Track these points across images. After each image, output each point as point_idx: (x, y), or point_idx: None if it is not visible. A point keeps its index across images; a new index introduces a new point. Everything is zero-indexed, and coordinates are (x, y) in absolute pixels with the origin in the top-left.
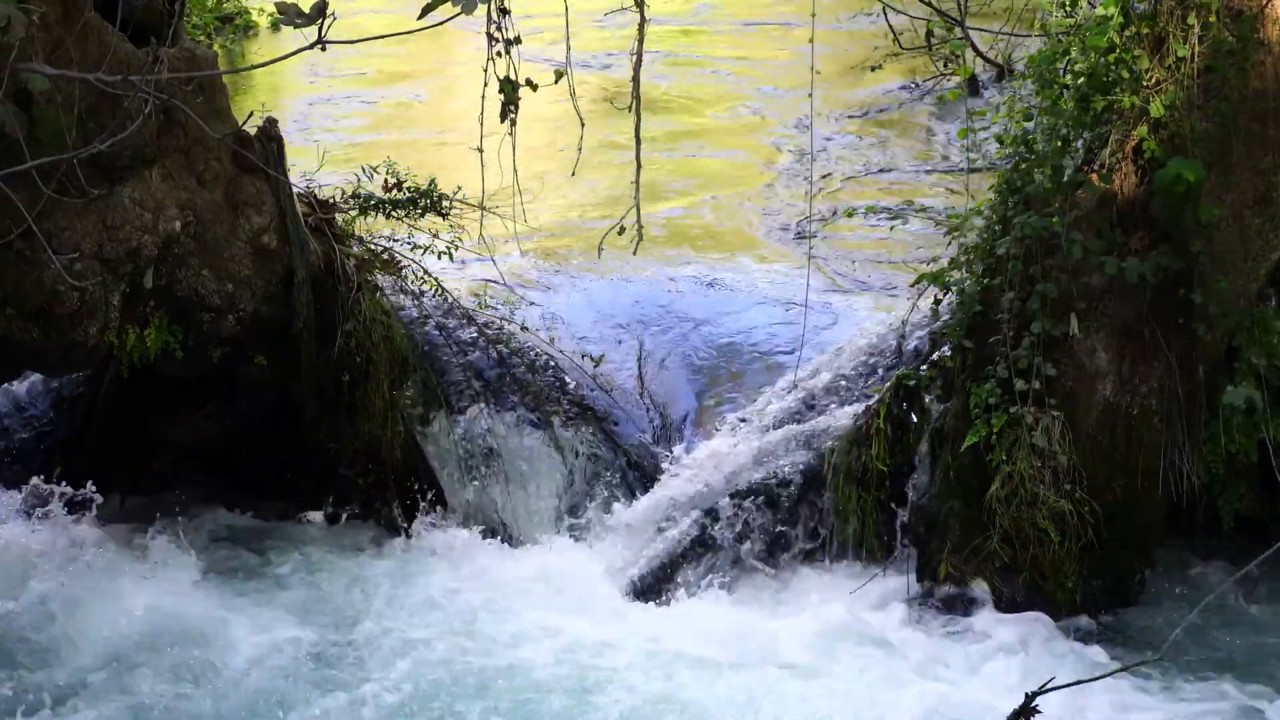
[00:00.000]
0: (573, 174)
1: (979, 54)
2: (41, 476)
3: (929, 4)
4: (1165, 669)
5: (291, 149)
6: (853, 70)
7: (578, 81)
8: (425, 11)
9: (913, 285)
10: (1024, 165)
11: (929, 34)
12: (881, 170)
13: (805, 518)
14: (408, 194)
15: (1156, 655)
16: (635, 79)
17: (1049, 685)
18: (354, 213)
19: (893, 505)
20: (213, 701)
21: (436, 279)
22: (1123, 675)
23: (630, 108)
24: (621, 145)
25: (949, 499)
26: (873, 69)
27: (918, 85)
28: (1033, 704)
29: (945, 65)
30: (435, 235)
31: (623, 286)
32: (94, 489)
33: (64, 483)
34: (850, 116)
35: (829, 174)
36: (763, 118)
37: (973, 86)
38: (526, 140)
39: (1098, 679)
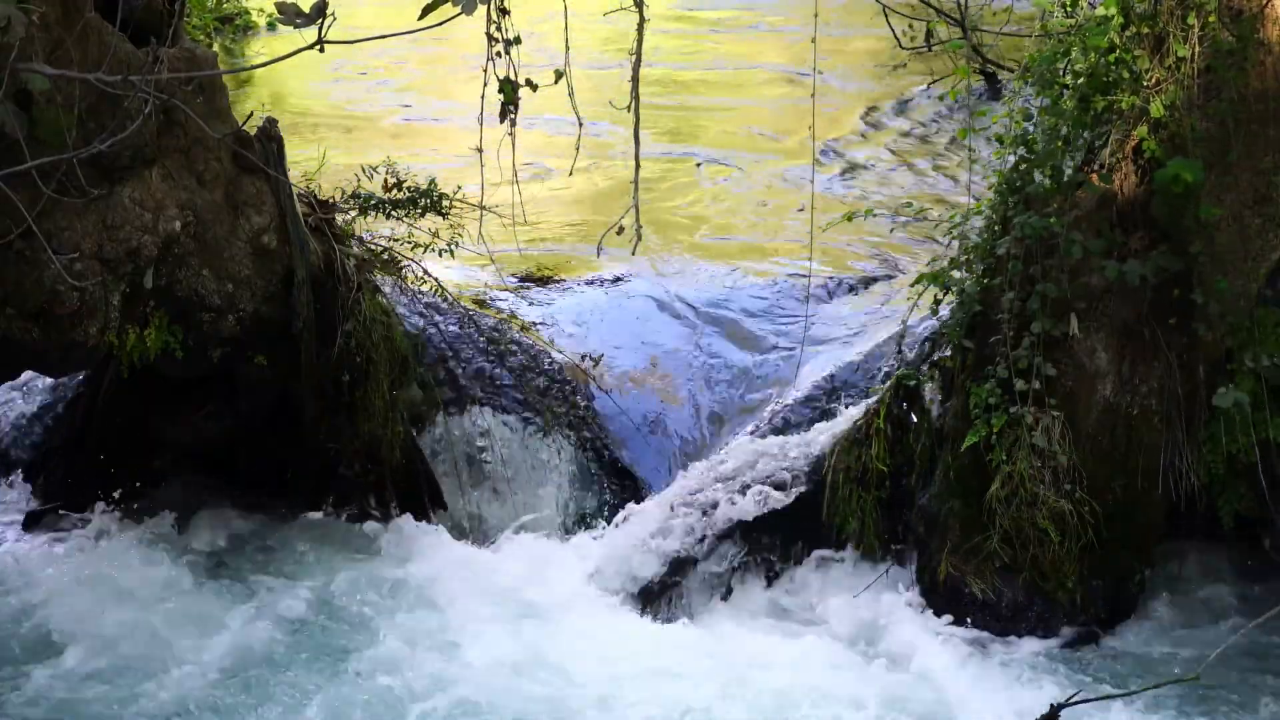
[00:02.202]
0: (570, 173)
1: (981, 55)
2: (42, 477)
3: (929, 4)
4: (1197, 687)
5: None
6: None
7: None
8: (425, 11)
9: (913, 285)
10: (1024, 165)
11: (929, 35)
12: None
13: (805, 519)
14: (408, 194)
15: (1194, 675)
16: (635, 79)
17: (1075, 698)
18: (354, 213)
19: (893, 506)
20: (211, 701)
21: (436, 279)
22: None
23: (629, 107)
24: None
25: (949, 499)
26: (895, 67)
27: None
28: (1057, 715)
29: (984, 66)
30: (435, 235)
31: (622, 287)
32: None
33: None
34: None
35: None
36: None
37: (994, 89)
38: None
39: (1126, 694)
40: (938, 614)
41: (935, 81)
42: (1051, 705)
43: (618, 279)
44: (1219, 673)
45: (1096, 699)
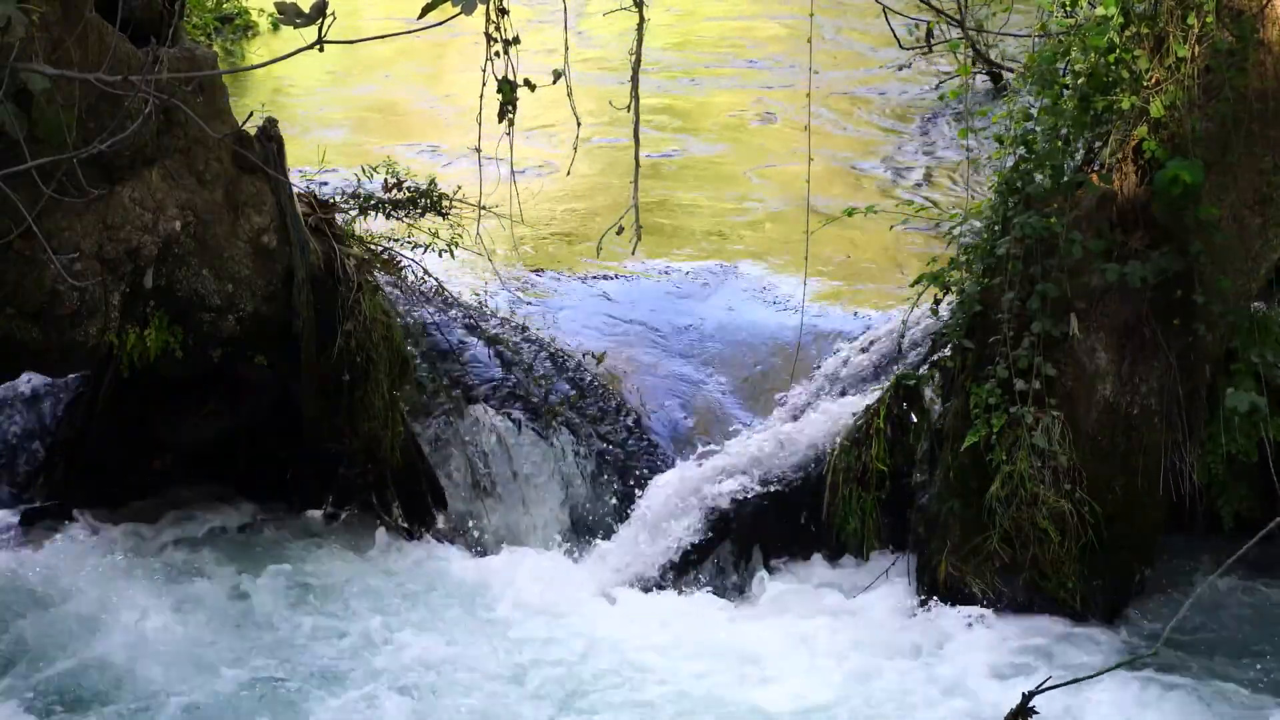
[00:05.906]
0: (568, 173)
1: (980, 54)
2: (42, 477)
3: (929, 4)
4: (1167, 667)
5: None
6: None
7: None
8: (425, 11)
9: (913, 285)
10: (1024, 165)
11: (929, 34)
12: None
13: (806, 519)
14: (408, 194)
15: (1151, 651)
16: (634, 79)
17: (1046, 684)
18: (354, 213)
19: (893, 505)
20: (211, 701)
21: (437, 279)
22: (1120, 673)
23: (629, 108)
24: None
25: (949, 499)
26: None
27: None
28: (1030, 703)
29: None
30: (435, 235)
31: (623, 287)
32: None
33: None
34: None
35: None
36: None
37: (1000, 90)
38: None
39: (1094, 676)
40: (937, 614)
41: (941, 83)
42: (1023, 694)
43: (618, 278)
44: (1214, 655)
45: (1065, 684)
